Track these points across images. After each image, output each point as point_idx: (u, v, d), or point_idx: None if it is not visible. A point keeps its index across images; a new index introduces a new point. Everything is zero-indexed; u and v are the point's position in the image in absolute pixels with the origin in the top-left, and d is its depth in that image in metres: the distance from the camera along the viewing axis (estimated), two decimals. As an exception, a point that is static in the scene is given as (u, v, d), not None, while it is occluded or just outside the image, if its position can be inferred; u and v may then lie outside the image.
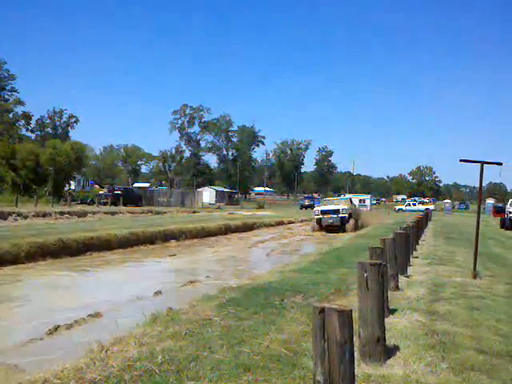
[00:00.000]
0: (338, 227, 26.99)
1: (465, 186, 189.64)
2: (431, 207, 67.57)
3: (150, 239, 18.75)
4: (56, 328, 7.01)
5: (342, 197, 34.83)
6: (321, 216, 27.44)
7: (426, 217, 30.40)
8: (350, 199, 32.42)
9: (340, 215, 27.12)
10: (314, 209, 29.80)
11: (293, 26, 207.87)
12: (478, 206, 11.00)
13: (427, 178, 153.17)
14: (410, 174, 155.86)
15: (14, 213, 24.73)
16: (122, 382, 4.06)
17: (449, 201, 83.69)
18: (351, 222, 27.67)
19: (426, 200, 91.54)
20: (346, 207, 27.82)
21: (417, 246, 15.31)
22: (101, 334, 5.84)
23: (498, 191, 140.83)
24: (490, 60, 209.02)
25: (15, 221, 23.16)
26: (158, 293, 9.75)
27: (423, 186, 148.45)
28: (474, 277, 9.82)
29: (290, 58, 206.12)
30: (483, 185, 10.42)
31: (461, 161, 10.19)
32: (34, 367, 4.91)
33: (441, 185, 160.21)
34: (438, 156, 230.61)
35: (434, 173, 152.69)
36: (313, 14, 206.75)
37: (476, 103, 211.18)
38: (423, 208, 61.85)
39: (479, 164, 9.94)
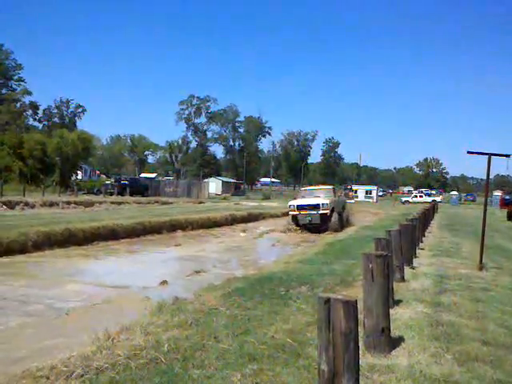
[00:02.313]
0: (319, 226, 22.04)
1: (472, 178, 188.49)
2: (438, 199, 67.35)
3: (156, 229, 18.84)
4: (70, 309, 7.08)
5: (323, 187, 27.12)
6: (297, 212, 22.31)
7: (433, 208, 30.30)
8: (334, 189, 25.73)
9: (320, 212, 21.84)
10: (289, 203, 23.84)
11: (299, 18, 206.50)
12: (484, 198, 10.95)
13: (434, 170, 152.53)
14: (417, 165, 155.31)
15: (21, 202, 24.92)
16: (128, 369, 4.11)
17: (456, 193, 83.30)
18: (334, 219, 22.31)
19: (432, 192, 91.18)
20: (327, 201, 22.18)
21: (423, 238, 15.29)
22: (107, 321, 5.89)
23: (505, 183, 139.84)
24: (496, 49, 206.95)
25: (22, 210, 23.33)
26: (163, 282, 9.81)
27: (430, 177, 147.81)
28: (480, 269, 9.81)
29: (297, 49, 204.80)
30: (490, 177, 10.37)
31: (468, 153, 10.15)
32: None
33: (448, 177, 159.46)
34: (446, 148, 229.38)
35: (441, 164, 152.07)
36: (323, 7, 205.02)
37: (483, 94, 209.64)
38: (430, 200, 61.66)
39: (487, 156, 9.90)
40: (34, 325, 6.57)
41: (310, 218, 21.94)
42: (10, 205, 23.77)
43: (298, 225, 22.48)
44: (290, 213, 22.80)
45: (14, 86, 77.72)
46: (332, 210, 22.27)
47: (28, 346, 5.60)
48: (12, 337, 6.04)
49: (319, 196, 23.26)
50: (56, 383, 3.92)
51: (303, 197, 24.02)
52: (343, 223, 23.56)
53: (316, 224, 21.97)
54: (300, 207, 22.35)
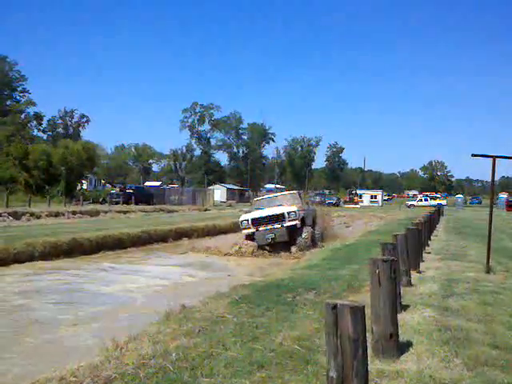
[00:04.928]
0: (286, 244, 16.26)
1: (477, 181, 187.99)
2: (443, 202, 67.28)
3: (162, 237, 18.89)
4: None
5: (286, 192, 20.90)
6: (253, 229, 16.34)
7: (438, 212, 30.24)
8: (299, 194, 19.71)
9: (286, 224, 16.14)
10: (241, 218, 17.36)
11: (300, 23, 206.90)
12: (490, 200, 10.91)
13: (439, 173, 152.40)
14: (422, 169, 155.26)
15: (27, 213, 25.01)
16: (137, 379, 4.11)
17: (461, 196, 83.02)
18: (306, 231, 16.67)
19: (438, 195, 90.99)
20: (294, 209, 16.54)
21: (429, 242, 15.24)
22: (115, 332, 5.90)
23: (510, 185, 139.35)
24: (502, 52, 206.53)
25: (28, 221, 23.42)
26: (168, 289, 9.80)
27: (435, 181, 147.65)
28: (487, 272, 9.76)
29: (299, 55, 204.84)
30: (496, 179, 10.35)
31: (473, 155, 10.11)
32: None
33: (453, 180, 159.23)
34: (450, 151, 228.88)
35: (446, 168, 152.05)
36: (325, 9, 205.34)
37: (488, 96, 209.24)
38: (435, 203, 61.58)
39: (491, 158, 9.87)
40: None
41: (272, 235, 16.07)
42: (16, 215, 23.88)
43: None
44: (244, 231, 16.68)
45: (18, 98, 78.46)
46: (302, 221, 16.82)
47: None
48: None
49: (282, 204, 17.54)
50: (65, 394, 3.93)
51: (260, 207, 17.90)
52: (315, 238, 17.66)
53: (282, 241, 16.22)
54: (256, 222, 16.39)
